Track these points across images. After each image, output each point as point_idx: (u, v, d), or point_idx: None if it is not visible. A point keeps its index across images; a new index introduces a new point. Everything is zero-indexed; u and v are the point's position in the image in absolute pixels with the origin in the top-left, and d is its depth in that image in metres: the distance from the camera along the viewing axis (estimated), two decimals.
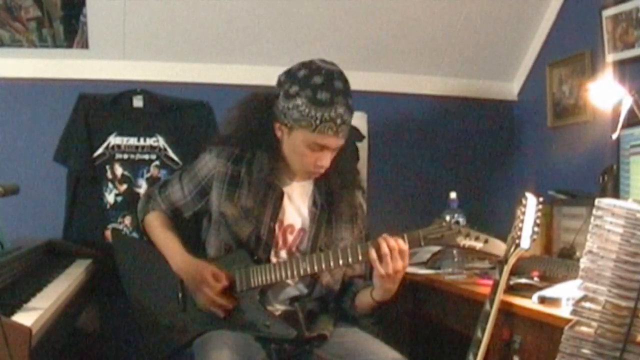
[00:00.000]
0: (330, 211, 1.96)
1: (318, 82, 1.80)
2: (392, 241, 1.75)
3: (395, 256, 1.74)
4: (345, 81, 1.85)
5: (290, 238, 1.96)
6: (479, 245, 1.78)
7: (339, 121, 1.81)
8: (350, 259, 1.80)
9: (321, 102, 1.79)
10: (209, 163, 1.97)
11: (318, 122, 1.79)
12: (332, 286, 1.98)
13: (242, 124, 1.95)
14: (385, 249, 1.74)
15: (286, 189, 1.95)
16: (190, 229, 2.08)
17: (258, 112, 1.93)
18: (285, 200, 1.94)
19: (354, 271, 2.00)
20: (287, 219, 1.95)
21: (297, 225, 1.96)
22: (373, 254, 1.76)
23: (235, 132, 1.97)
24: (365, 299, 1.92)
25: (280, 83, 1.89)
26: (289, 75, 1.87)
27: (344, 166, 1.98)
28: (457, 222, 1.83)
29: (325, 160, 1.87)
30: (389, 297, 1.85)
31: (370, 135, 3.04)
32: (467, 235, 1.78)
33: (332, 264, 1.81)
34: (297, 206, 1.96)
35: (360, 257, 1.80)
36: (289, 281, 1.92)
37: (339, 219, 1.97)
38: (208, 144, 2.03)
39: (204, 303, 1.88)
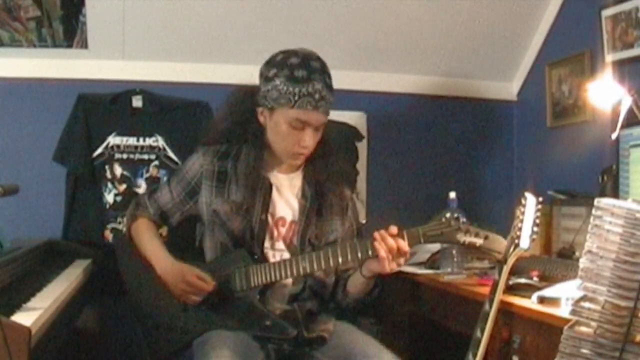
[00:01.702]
0: (320, 203, 1.96)
1: (295, 62, 1.85)
2: (390, 241, 1.75)
3: (396, 256, 1.75)
4: (323, 63, 1.89)
5: (282, 231, 1.96)
6: (479, 241, 1.77)
7: (317, 96, 1.83)
8: (349, 257, 1.80)
9: (298, 78, 1.82)
10: (196, 163, 1.98)
11: (296, 97, 1.82)
12: (323, 279, 1.98)
13: (227, 120, 1.99)
14: (383, 252, 1.74)
15: (274, 182, 1.96)
16: (184, 237, 2.08)
17: (241, 105, 1.97)
18: (275, 193, 1.95)
19: (347, 265, 1.99)
20: (277, 211, 1.96)
21: (288, 217, 1.96)
22: (378, 253, 1.75)
23: (220, 129, 2.00)
24: (356, 280, 1.93)
25: (261, 73, 1.94)
26: (268, 63, 1.92)
27: (331, 159, 1.99)
28: (457, 218, 1.81)
29: (308, 139, 1.88)
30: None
31: (369, 135, 3.04)
32: (467, 232, 1.77)
33: (331, 262, 1.81)
34: (286, 198, 1.97)
35: (359, 256, 1.80)
36: (288, 280, 1.92)
37: (329, 211, 1.97)
38: (196, 144, 2.05)
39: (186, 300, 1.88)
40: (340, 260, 1.80)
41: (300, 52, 1.89)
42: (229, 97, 2.03)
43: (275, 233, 1.95)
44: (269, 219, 1.93)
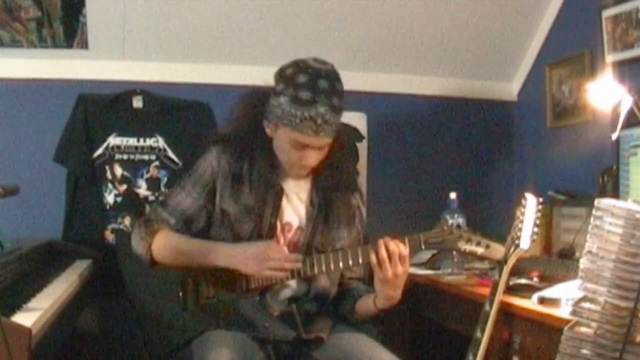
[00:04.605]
0: (328, 211, 1.95)
1: (301, 81, 1.78)
2: (392, 245, 1.74)
3: (395, 261, 1.74)
4: (333, 80, 1.81)
5: (288, 236, 1.96)
6: (480, 250, 1.76)
7: (319, 120, 1.78)
8: (350, 262, 1.80)
9: (302, 101, 1.77)
10: (213, 162, 1.95)
11: (298, 120, 1.78)
12: (328, 288, 1.98)
13: (239, 122, 1.96)
14: (384, 253, 1.74)
15: (284, 187, 1.95)
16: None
17: (251, 110, 1.93)
18: (283, 199, 1.94)
19: (353, 273, 1.99)
20: (285, 217, 1.95)
21: (295, 223, 1.96)
22: (373, 258, 1.75)
23: (232, 130, 1.97)
24: (367, 305, 1.91)
25: (274, 80, 1.89)
26: (279, 73, 1.87)
27: (341, 167, 1.96)
28: (459, 227, 1.81)
29: (310, 159, 1.86)
30: (391, 304, 1.83)
31: (370, 135, 3.04)
32: (469, 241, 1.77)
33: (332, 266, 1.81)
34: (294, 204, 1.96)
35: (360, 260, 1.79)
36: (288, 282, 1.92)
37: (337, 219, 1.96)
38: (207, 143, 2.02)
39: (274, 273, 1.81)
40: (341, 264, 1.80)
41: (312, 67, 1.80)
42: (241, 99, 1.97)
43: (282, 239, 1.94)
44: (277, 223, 1.93)
